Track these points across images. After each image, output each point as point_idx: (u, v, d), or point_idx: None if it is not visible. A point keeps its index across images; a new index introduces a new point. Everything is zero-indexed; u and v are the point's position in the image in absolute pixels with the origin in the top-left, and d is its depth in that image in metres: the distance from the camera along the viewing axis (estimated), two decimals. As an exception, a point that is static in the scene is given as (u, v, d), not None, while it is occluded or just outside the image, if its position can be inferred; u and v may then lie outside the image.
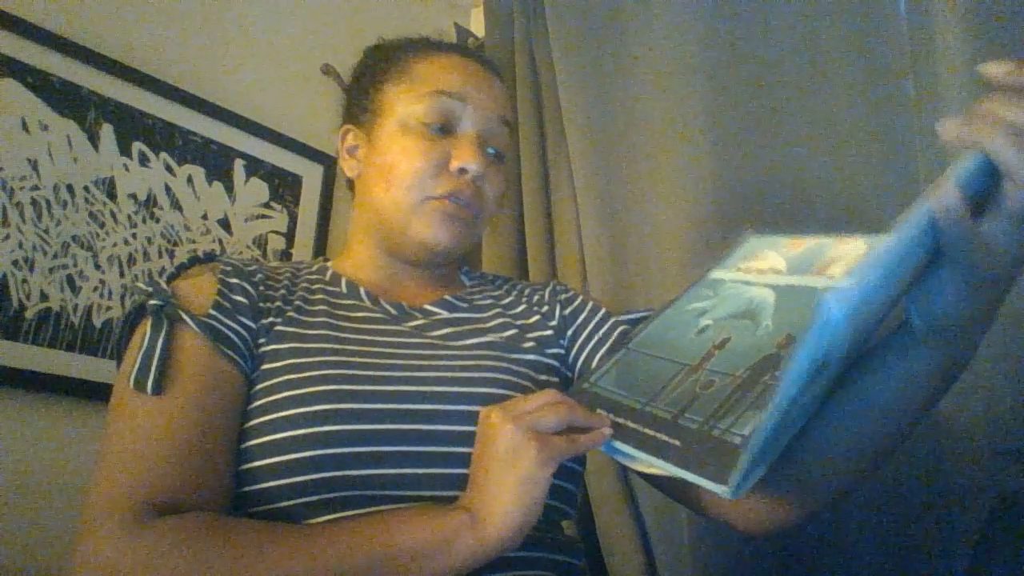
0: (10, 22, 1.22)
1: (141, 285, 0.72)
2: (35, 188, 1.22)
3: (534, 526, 0.59)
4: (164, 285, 0.73)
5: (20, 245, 1.19)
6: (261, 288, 0.77)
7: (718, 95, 1.26)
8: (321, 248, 1.58)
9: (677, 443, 0.56)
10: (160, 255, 1.35)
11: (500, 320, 0.83)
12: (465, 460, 0.65)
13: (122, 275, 1.29)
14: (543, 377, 0.78)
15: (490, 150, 0.84)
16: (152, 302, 0.70)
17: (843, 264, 0.60)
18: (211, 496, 0.64)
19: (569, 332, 0.85)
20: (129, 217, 1.32)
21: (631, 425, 0.60)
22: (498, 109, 0.85)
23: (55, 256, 1.22)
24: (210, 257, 0.81)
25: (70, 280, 1.23)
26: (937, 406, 0.65)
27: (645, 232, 1.32)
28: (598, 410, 0.64)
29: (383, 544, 0.59)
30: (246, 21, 1.56)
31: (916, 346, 0.60)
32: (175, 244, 1.37)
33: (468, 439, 0.65)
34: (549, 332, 0.84)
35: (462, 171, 0.80)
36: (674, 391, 0.61)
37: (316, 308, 0.78)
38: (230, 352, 0.70)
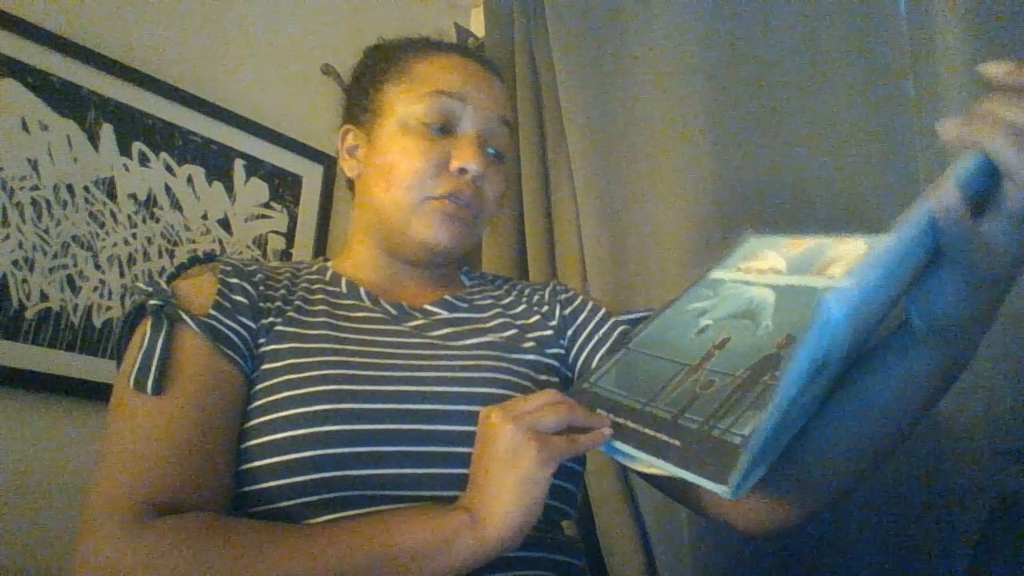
0: (10, 22, 1.22)
1: (141, 285, 0.72)
2: (35, 188, 1.22)
3: (534, 526, 0.59)
4: (164, 285, 0.73)
5: (20, 245, 1.19)
6: (261, 288, 0.77)
7: (718, 95, 1.26)
8: (321, 248, 1.58)
9: (677, 443, 0.56)
10: (160, 255, 1.35)
11: (500, 320, 0.83)
12: (465, 460, 0.65)
13: (122, 275, 1.29)
14: (543, 377, 0.78)
15: (490, 150, 0.84)
16: (152, 302, 0.70)
17: (843, 264, 0.60)
18: (211, 496, 0.64)
19: (569, 332, 0.85)
20: (129, 217, 1.32)
21: (631, 425, 0.60)
22: (498, 109, 0.85)
23: (55, 256, 1.22)
24: (210, 257, 0.81)
25: (70, 280, 1.23)
26: (937, 406, 0.65)
27: (645, 232, 1.32)
28: (598, 410, 0.64)
29: (383, 544, 0.59)
30: (246, 21, 1.56)
31: (916, 346, 0.60)
32: (175, 244, 1.37)
33: (468, 439, 0.65)
34: (549, 332, 0.84)
35: (462, 171, 0.80)
36: (674, 391, 0.61)
37: (316, 308, 0.78)
38: (230, 352, 0.70)
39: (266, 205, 1.53)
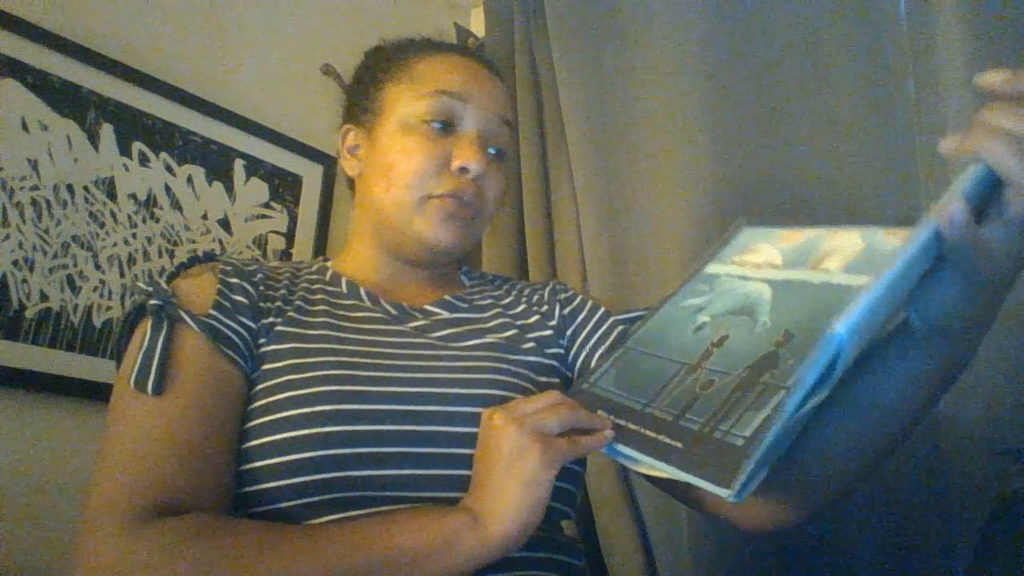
0: (10, 22, 1.22)
1: (141, 285, 0.72)
2: (35, 188, 1.22)
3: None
4: (164, 285, 0.73)
5: (20, 245, 1.19)
6: (261, 288, 0.77)
7: (718, 95, 1.26)
8: (321, 248, 1.58)
9: (679, 445, 0.56)
10: (160, 255, 1.35)
11: (500, 320, 0.83)
12: (467, 461, 0.65)
13: (122, 275, 1.29)
14: (543, 378, 0.78)
15: (491, 150, 0.84)
16: (152, 302, 0.70)
17: (838, 258, 0.60)
18: (212, 497, 0.64)
19: (568, 332, 0.85)
20: (129, 217, 1.32)
21: (632, 427, 0.60)
22: (499, 109, 0.85)
23: (55, 256, 1.22)
24: (210, 257, 0.81)
25: (70, 280, 1.23)
26: (937, 406, 0.65)
27: (645, 232, 1.33)
28: (599, 411, 0.64)
29: (384, 545, 0.59)
30: (246, 21, 1.56)
31: (916, 347, 0.60)
32: (175, 244, 1.37)
33: (469, 440, 0.65)
34: (549, 332, 0.84)
35: (463, 170, 0.80)
36: (674, 391, 0.61)
37: (316, 308, 0.78)
38: (230, 352, 0.70)
39: (266, 205, 1.53)
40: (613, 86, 1.42)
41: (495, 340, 0.79)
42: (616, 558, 1.22)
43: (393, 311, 0.81)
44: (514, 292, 0.91)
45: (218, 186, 1.45)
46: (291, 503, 0.65)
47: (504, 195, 0.87)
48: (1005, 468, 0.92)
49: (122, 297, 1.28)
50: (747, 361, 0.58)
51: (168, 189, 1.38)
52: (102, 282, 1.27)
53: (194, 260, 0.80)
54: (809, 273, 0.62)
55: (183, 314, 0.69)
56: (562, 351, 0.84)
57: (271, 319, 0.74)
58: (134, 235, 1.32)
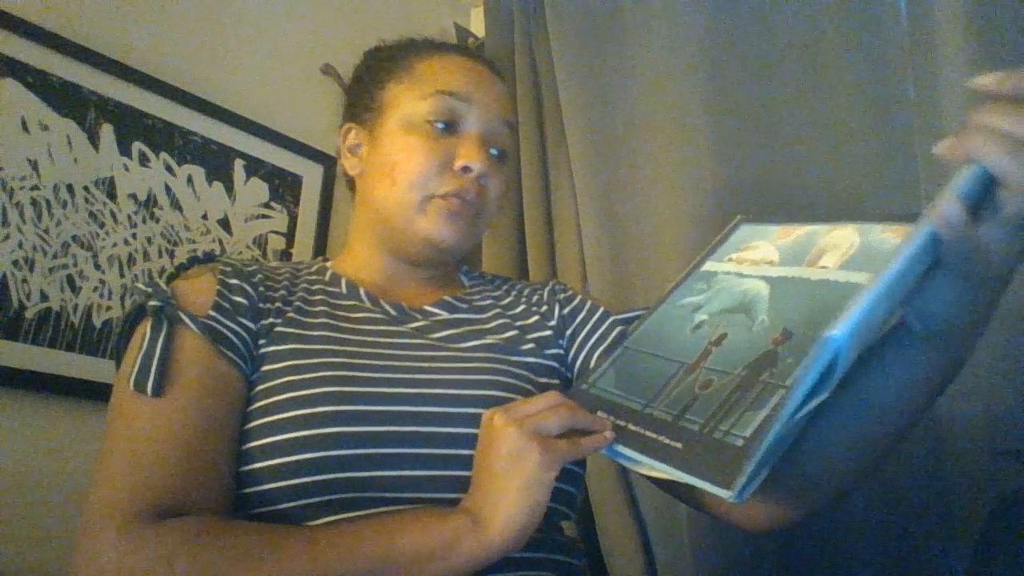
0: (10, 22, 1.22)
1: (140, 286, 0.72)
2: (35, 188, 1.22)
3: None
4: (164, 286, 0.73)
5: (20, 245, 1.19)
6: (261, 289, 0.77)
7: (718, 95, 1.26)
8: (321, 248, 1.58)
9: (679, 446, 0.56)
10: (160, 255, 1.35)
11: (500, 321, 0.83)
12: (466, 462, 0.65)
13: (122, 275, 1.29)
14: (543, 379, 0.78)
15: (493, 151, 0.84)
16: (151, 303, 0.70)
17: (835, 255, 0.60)
18: (212, 498, 0.64)
19: (568, 332, 0.85)
20: (129, 217, 1.32)
21: (632, 428, 0.60)
22: (501, 110, 0.85)
23: (55, 256, 1.22)
24: (209, 257, 0.81)
25: (70, 280, 1.23)
26: (935, 406, 0.65)
27: (645, 232, 1.33)
28: (599, 412, 0.64)
29: (384, 547, 0.59)
30: (246, 21, 1.56)
31: (914, 347, 0.60)
32: (175, 244, 1.37)
33: (469, 441, 0.65)
34: (548, 332, 0.84)
35: (466, 169, 0.80)
36: (673, 391, 0.61)
37: (316, 309, 0.78)
38: (230, 353, 0.69)
39: (266, 205, 1.53)
40: (613, 86, 1.42)
41: (495, 341, 0.79)
42: (616, 558, 1.22)
43: (393, 312, 0.81)
44: (514, 292, 0.91)
45: (218, 186, 1.45)
46: (291, 504, 0.65)
47: (505, 197, 0.87)
48: (1005, 468, 0.92)
49: (122, 297, 1.28)
50: (746, 360, 0.58)
51: (168, 189, 1.38)
52: (102, 282, 1.27)
53: (193, 261, 0.80)
54: (806, 270, 0.62)
55: (182, 315, 0.69)
56: (562, 351, 0.84)
57: (271, 320, 0.74)
58: (134, 235, 1.32)
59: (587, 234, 1.39)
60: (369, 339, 0.75)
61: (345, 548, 0.59)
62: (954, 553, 0.95)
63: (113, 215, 1.30)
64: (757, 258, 0.68)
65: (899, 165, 1.08)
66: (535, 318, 0.85)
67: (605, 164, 1.39)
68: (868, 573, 1.01)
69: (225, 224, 1.45)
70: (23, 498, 1.13)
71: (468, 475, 0.64)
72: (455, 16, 1.88)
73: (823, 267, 0.61)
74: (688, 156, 1.26)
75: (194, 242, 1.40)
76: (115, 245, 1.29)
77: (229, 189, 1.47)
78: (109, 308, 1.27)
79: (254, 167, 1.51)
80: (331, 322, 0.76)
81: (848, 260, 0.60)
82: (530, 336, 0.82)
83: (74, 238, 1.25)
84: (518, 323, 0.84)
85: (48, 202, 1.23)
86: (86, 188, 1.27)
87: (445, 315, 0.82)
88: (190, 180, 1.41)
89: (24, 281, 1.18)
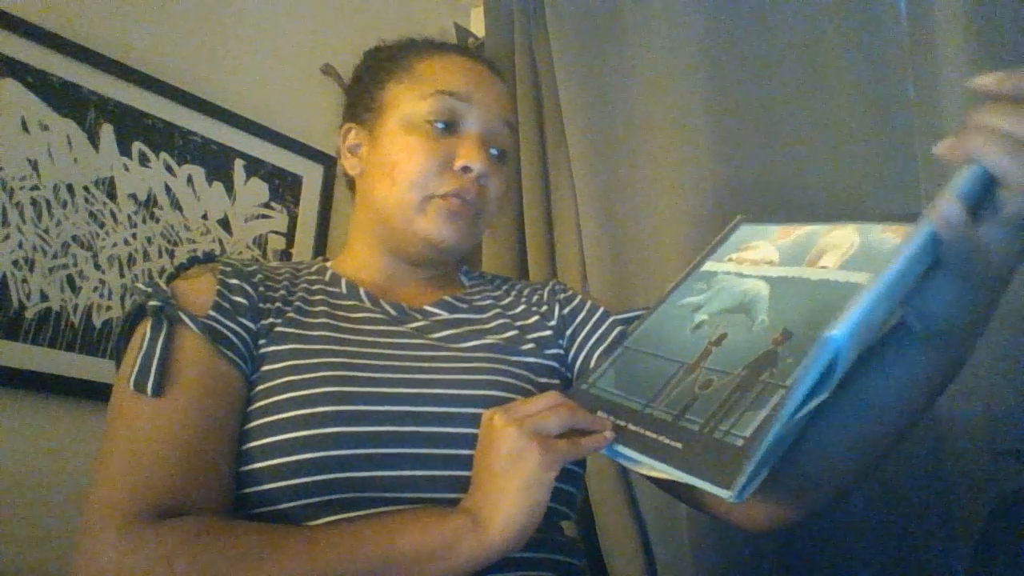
0: (10, 22, 1.22)
1: (140, 286, 0.72)
2: (35, 188, 1.22)
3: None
4: (163, 286, 0.73)
5: (20, 245, 1.19)
6: (261, 289, 0.77)
7: (718, 95, 1.26)
8: (321, 248, 1.58)
9: (679, 446, 0.56)
10: (160, 255, 1.35)
11: (500, 321, 0.83)
12: (466, 462, 0.65)
13: (122, 275, 1.29)
14: (543, 379, 0.78)
15: (493, 151, 0.84)
16: (151, 303, 0.70)
17: (835, 255, 0.60)
18: (212, 498, 0.64)
19: (568, 332, 0.85)
20: (129, 217, 1.32)
21: (632, 428, 0.60)
22: (501, 110, 0.85)
23: (55, 256, 1.22)
24: (209, 257, 0.81)
25: (70, 280, 1.23)
26: (934, 406, 0.65)
27: (645, 232, 1.32)
28: (599, 412, 0.64)
29: (384, 547, 0.59)
30: (246, 21, 1.56)
31: (914, 347, 0.60)
32: (175, 244, 1.37)
33: (469, 441, 0.65)
34: (548, 332, 0.84)
35: (466, 169, 0.80)
36: (673, 391, 0.61)
37: (316, 309, 0.78)
38: (230, 353, 0.69)
39: (266, 205, 1.53)
40: (613, 86, 1.42)
41: (495, 341, 0.79)
42: (616, 558, 1.22)
43: (393, 312, 0.81)
44: (514, 292, 0.91)
45: (218, 186, 1.45)
46: (291, 504, 0.65)
47: (505, 197, 0.87)
48: (1005, 468, 0.92)
49: (122, 297, 1.28)
50: (746, 360, 0.58)
51: (168, 189, 1.38)
52: (102, 282, 1.27)
53: (193, 261, 0.80)
54: (806, 270, 0.62)
55: (182, 315, 0.69)
56: (561, 351, 0.84)
57: (271, 320, 0.74)
58: (134, 235, 1.32)
59: (587, 234, 1.39)
60: (369, 339, 0.75)
61: (345, 548, 0.59)
62: (954, 553, 0.95)
63: (113, 215, 1.30)
64: (757, 258, 0.68)
65: (899, 165, 1.08)
66: (535, 318, 0.85)
67: (605, 164, 1.39)
68: (868, 573, 1.01)
69: (225, 224, 1.45)
70: (23, 498, 1.13)
71: (468, 475, 0.64)
72: (455, 16, 1.88)
73: (823, 267, 0.61)
74: (688, 156, 1.26)
75: (194, 242, 1.40)
76: (115, 245, 1.29)
77: (229, 189, 1.47)
78: (109, 308, 1.27)
79: (254, 167, 1.51)
80: (331, 322, 0.76)
81: (848, 260, 0.60)
82: (530, 336, 0.82)
83: (74, 238, 1.25)
84: (518, 323, 0.84)
85: (48, 202, 1.23)
86: (86, 188, 1.27)
87: (445, 315, 0.82)
88: (190, 180, 1.41)
89: (24, 281, 1.18)
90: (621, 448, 0.60)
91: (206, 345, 0.69)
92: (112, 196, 1.30)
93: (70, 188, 1.26)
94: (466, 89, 0.82)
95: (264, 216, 1.52)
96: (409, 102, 0.82)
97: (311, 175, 1.61)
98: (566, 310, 0.87)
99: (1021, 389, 0.92)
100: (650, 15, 1.37)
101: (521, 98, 1.56)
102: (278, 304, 0.76)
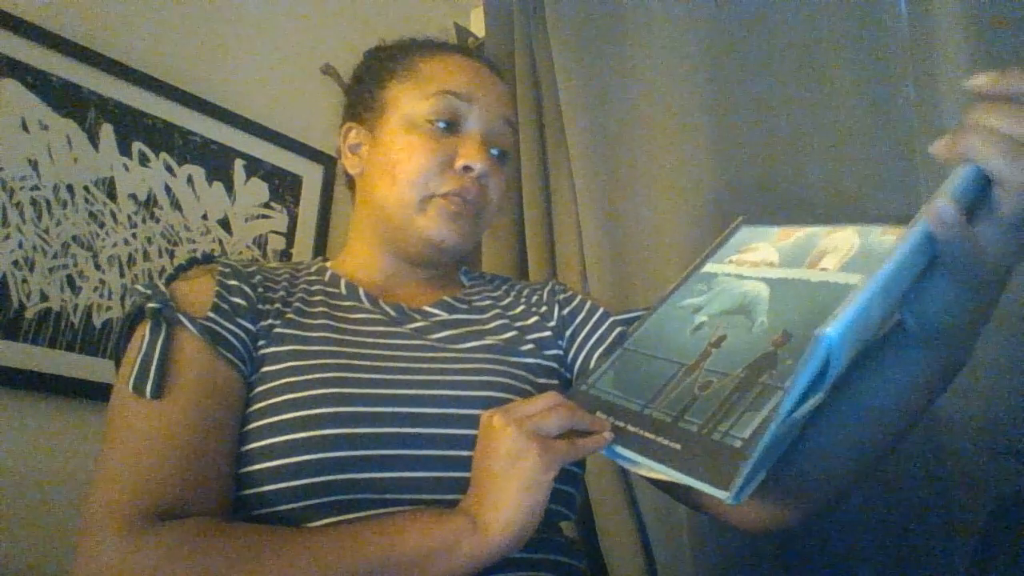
0: (10, 22, 1.22)
1: (139, 288, 0.72)
2: (35, 188, 1.22)
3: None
4: (162, 287, 0.73)
5: (20, 245, 1.19)
6: (260, 290, 0.77)
7: (718, 95, 1.26)
8: (321, 248, 1.58)
9: (678, 447, 0.56)
10: (160, 255, 1.35)
11: (499, 322, 0.83)
12: (466, 463, 0.65)
13: (122, 275, 1.29)
14: (542, 380, 0.78)
15: (494, 151, 0.84)
16: (150, 305, 0.70)
17: (835, 257, 0.60)
18: (212, 500, 0.64)
19: (568, 332, 0.85)
20: (129, 217, 1.32)
21: (631, 429, 0.60)
22: (502, 110, 0.85)
23: (55, 256, 1.22)
24: (208, 258, 0.81)
25: (70, 280, 1.23)
26: (934, 407, 0.65)
27: (645, 232, 1.32)
28: (598, 413, 0.64)
29: (384, 549, 0.59)
30: (246, 21, 1.56)
31: (912, 349, 0.60)
32: (175, 244, 1.37)
33: (469, 442, 0.65)
34: (547, 333, 0.84)
35: (467, 169, 0.80)
36: (672, 392, 0.61)
37: (315, 310, 0.78)
38: (229, 355, 0.69)
39: (266, 205, 1.53)
40: (613, 86, 1.42)
41: (494, 342, 0.79)
42: (616, 558, 1.22)
43: (392, 312, 0.81)
44: (513, 293, 0.91)
45: (218, 186, 1.45)
46: (291, 506, 0.65)
47: (505, 197, 0.87)
48: (1005, 468, 0.92)
49: (122, 297, 1.28)
50: (745, 361, 0.59)
51: (168, 189, 1.38)
52: (102, 282, 1.27)
53: (192, 262, 0.80)
54: (806, 272, 0.62)
55: (181, 317, 0.69)
56: (561, 352, 0.84)
57: (270, 321, 0.74)
58: (134, 235, 1.32)
59: (587, 234, 1.39)
60: (368, 340, 0.75)
61: (345, 550, 0.59)
62: (954, 553, 0.95)
63: (113, 215, 1.30)
64: (757, 260, 0.68)
65: (899, 165, 1.08)
66: (534, 319, 0.85)
67: (605, 164, 1.39)
68: (868, 572, 1.01)
69: (225, 224, 1.45)
70: (23, 498, 1.13)
71: (468, 476, 0.64)
72: (455, 16, 1.88)
73: (823, 269, 0.61)
74: (688, 156, 1.26)
75: (194, 242, 1.40)
76: (115, 245, 1.29)
77: (229, 189, 1.47)
78: (109, 308, 1.27)
79: (254, 167, 1.51)
80: (330, 323, 0.76)
81: (848, 262, 0.60)
82: (529, 337, 0.82)
83: (74, 238, 1.25)
84: (517, 324, 0.84)
85: (48, 202, 1.23)
86: (86, 188, 1.27)
87: (444, 316, 0.82)
88: (190, 180, 1.41)
89: (24, 281, 1.18)
90: (620, 449, 0.60)
91: (205, 347, 0.69)
92: (112, 196, 1.30)
93: (70, 188, 1.26)
94: (468, 89, 0.83)
95: (264, 216, 1.52)
96: (411, 102, 0.82)
97: (311, 175, 1.61)
98: (566, 311, 0.87)
99: (1021, 389, 0.92)
100: (650, 15, 1.36)
101: (521, 98, 1.56)
102: (277, 305, 0.76)
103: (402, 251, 0.84)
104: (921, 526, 0.99)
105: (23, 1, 1.25)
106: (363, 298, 0.82)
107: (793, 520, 0.69)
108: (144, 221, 1.34)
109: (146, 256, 1.33)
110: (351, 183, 0.92)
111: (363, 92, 0.89)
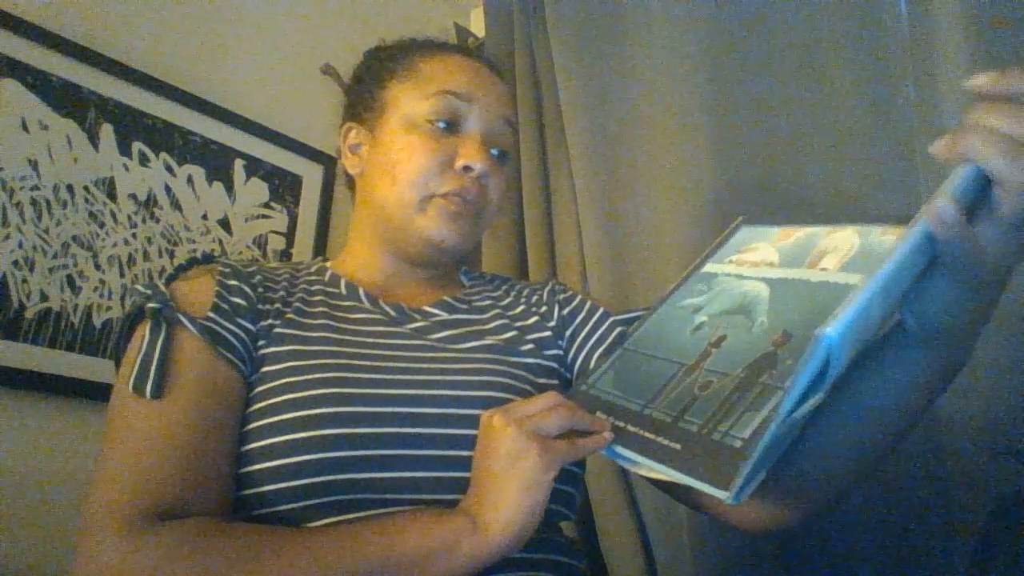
0: (10, 22, 1.22)
1: (139, 288, 0.72)
2: (35, 188, 1.22)
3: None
4: (162, 287, 0.73)
5: (20, 245, 1.19)
6: (260, 290, 0.77)
7: (718, 95, 1.26)
8: (321, 248, 1.58)
9: (678, 447, 0.56)
10: (160, 255, 1.35)
11: (499, 322, 0.83)
12: (466, 463, 0.65)
13: (122, 275, 1.29)
14: (542, 380, 0.78)
15: (494, 151, 0.84)
16: (150, 305, 0.70)
17: (835, 257, 0.60)
18: (212, 500, 0.64)
19: (568, 332, 0.85)
20: (129, 217, 1.32)
21: (631, 429, 0.60)
22: (502, 110, 0.85)
23: (55, 256, 1.22)
24: (208, 258, 0.81)
25: (70, 280, 1.23)
26: (933, 407, 0.65)
27: (645, 232, 1.32)
28: (598, 413, 0.64)
29: (384, 549, 0.59)
30: (246, 21, 1.56)
31: (912, 349, 0.60)
32: (175, 244, 1.37)
33: (469, 442, 0.65)
34: (547, 333, 0.84)
35: (467, 169, 0.80)
36: (672, 392, 0.61)
37: (315, 310, 0.78)
38: (229, 355, 0.69)
39: (266, 205, 1.53)
40: (613, 86, 1.42)
41: (494, 342, 0.79)
42: (616, 558, 1.22)
43: (392, 312, 0.81)
44: (513, 293, 0.91)
45: (218, 186, 1.45)
46: (291, 506, 0.65)
47: (505, 197, 0.87)
48: (1005, 468, 0.92)
49: (122, 297, 1.28)
50: (745, 361, 0.59)
51: (168, 189, 1.38)
52: (102, 282, 1.27)
53: (192, 262, 0.80)
54: (807, 272, 0.62)
55: (181, 317, 0.69)
56: (561, 352, 0.84)
57: (270, 321, 0.74)
58: (134, 235, 1.32)
59: (587, 234, 1.39)
60: (368, 340, 0.75)
61: (345, 550, 0.59)
62: (954, 553, 0.95)
63: (113, 215, 1.30)
64: (757, 260, 0.68)
65: (899, 165, 1.08)
66: (534, 319, 0.85)
67: (605, 164, 1.39)
68: (868, 572, 1.01)
69: (225, 224, 1.45)
70: (23, 498, 1.13)
71: (468, 476, 0.64)
72: (455, 16, 1.88)
73: (823, 269, 0.61)
74: (688, 156, 1.26)
75: (194, 242, 1.40)
76: (115, 245, 1.29)
77: (229, 189, 1.47)
78: (109, 308, 1.27)
79: (254, 167, 1.51)
80: (330, 323, 0.76)
81: (848, 262, 0.60)
82: (529, 337, 0.82)
83: (74, 238, 1.25)
84: (517, 324, 0.84)
85: (48, 202, 1.23)
86: (86, 188, 1.27)
87: (444, 316, 0.82)
88: (190, 180, 1.41)
89: (24, 281, 1.18)
90: (620, 449, 0.60)
91: (205, 347, 0.69)
92: (112, 196, 1.30)
93: (70, 188, 1.26)
94: (468, 89, 0.83)
95: (264, 216, 1.52)
96: (411, 101, 0.82)
97: (311, 175, 1.61)
98: (566, 311, 0.87)
99: (1021, 389, 0.92)
100: (650, 15, 1.36)
101: (521, 98, 1.56)
102: (277, 305, 0.76)
103: (402, 251, 0.84)
104: (921, 526, 0.99)
105: (23, 1, 1.25)
106: (363, 298, 0.82)
107: (793, 520, 0.69)
108: (144, 221, 1.34)
109: (146, 256, 1.33)
110: (351, 183, 0.92)
111: (363, 92, 0.89)
